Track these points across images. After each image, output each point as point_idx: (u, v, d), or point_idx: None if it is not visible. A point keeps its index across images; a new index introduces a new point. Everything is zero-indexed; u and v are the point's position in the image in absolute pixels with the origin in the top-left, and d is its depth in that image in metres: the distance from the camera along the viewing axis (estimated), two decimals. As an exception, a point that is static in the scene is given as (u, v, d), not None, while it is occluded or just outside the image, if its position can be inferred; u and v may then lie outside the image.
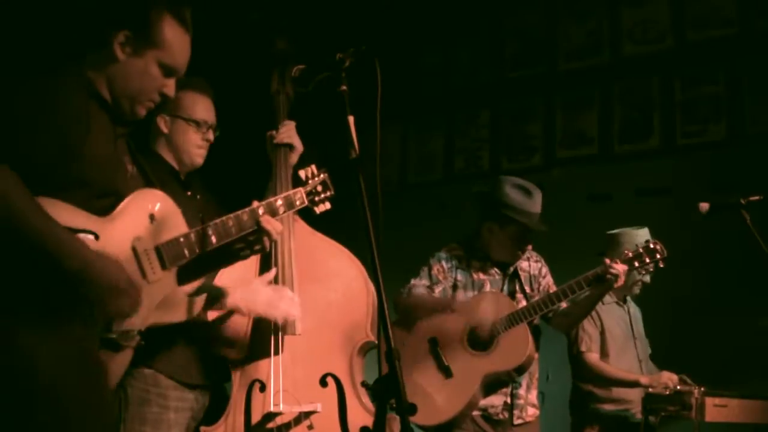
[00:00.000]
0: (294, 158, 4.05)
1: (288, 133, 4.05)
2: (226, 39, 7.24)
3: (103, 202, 2.85)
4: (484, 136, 7.65)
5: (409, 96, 7.67)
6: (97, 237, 2.76)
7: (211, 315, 3.74)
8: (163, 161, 3.83)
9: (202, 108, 3.86)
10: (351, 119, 2.82)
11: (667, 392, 5.00)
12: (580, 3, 7.29)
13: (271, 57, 4.18)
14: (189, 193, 3.86)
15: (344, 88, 2.85)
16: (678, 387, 5.05)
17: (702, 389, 4.84)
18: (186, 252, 3.01)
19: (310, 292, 3.87)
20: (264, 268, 3.91)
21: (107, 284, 2.65)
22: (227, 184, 4.05)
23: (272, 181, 3.98)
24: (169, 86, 2.97)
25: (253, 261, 3.92)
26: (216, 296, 3.62)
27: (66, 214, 2.68)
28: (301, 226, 4.00)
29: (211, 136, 3.89)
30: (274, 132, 4.06)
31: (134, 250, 2.87)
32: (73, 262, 2.58)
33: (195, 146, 3.85)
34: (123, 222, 2.87)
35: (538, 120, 7.38)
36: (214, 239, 3.11)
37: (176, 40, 2.92)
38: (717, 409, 4.74)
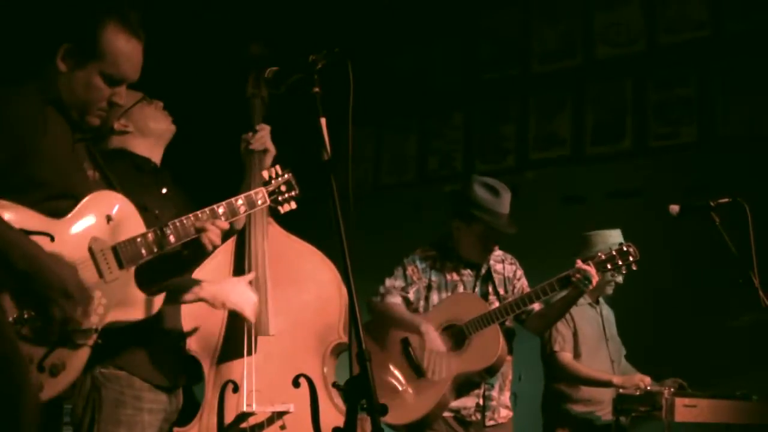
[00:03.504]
0: (268, 162, 4.05)
1: (263, 138, 4.05)
2: (202, 42, 7.25)
3: (60, 204, 2.87)
4: (457, 138, 7.66)
5: (383, 97, 7.66)
6: (52, 238, 2.79)
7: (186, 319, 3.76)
8: (138, 157, 3.82)
9: (131, 92, 3.84)
10: (323, 121, 2.82)
11: (638, 393, 5.04)
12: (553, 5, 7.32)
13: (247, 61, 4.18)
14: (164, 190, 3.85)
15: (317, 89, 2.85)
16: (648, 388, 5.08)
17: (672, 389, 4.88)
18: (143, 251, 3.03)
19: (283, 293, 3.89)
20: (238, 270, 3.92)
21: (57, 287, 2.68)
22: (202, 186, 4.05)
23: (245, 185, 3.98)
24: (118, 94, 2.98)
25: (227, 264, 3.94)
26: (188, 287, 3.63)
27: (20, 217, 2.72)
28: (276, 228, 4.01)
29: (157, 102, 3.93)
30: (249, 135, 4.06)
31: (91, 250, 2.90)
32: (20, 262, 2.61)
33: (161, 118, 3.88)
34: (79, 223, 2.90)
35: (512, 122, 7.40)
36: (172, 239, 3.12)
37: (120, 49, 2.92)
38: (687, 409, 4.76)
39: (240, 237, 3.93)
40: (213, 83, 6.89)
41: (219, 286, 3.72)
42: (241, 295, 3.72)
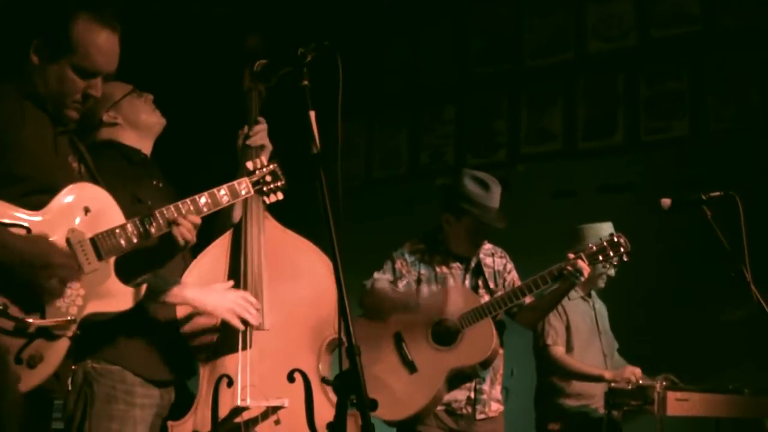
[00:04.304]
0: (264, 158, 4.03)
1: (261, 135, 4.03)
2: (197, 35, 7.24)
3: (42, 198, 2.88)
4: (449, 132, 7.67)
5: (375, 91, 7.67)
6: (28, 231, 2.81)
7: (181, 311, 3.74)
8: (128, 148, 3.81)
9: (121, 84, 3.83)
10: (312, 114, 2.82)
11: (630, 387, 5.04)
12: (545, -1, 7.33)
13: (243, 54, 4.16)
14: (154, 182, 3.83)
15: (306, 83, 2.84)
16: (640, 381, 5.09)
17: (664, 383, 4.88)
18: (123, 243, 3.01)
19: (279, 288, 3.86)
20: (234, 264, 3.89)
21: (38, 262, 2.74)
22: (195, 182, 4.03)
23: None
24: (93, 86, 3.00)
25: (223, 258, 3.92)
26: (168, 289, 3.60)
27: None
28: (272, 223, 3.99)
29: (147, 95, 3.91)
30: (246, 130, 4.04)
31: (68, 241, 2.89)
32: None
33: (151, 111, 3.87)
34: (57, 215, 2.90)
35: (503, 116, 7.41)
36: (153, 230, 3.09)
37: (91, 41, 2.94)
38: (679, 403, 4.77)
39: (236, 231, 3.91)
40: (207, 77, 6.89)
41: (199, 291, 3.68)
42: (221, 300, 3.69)
